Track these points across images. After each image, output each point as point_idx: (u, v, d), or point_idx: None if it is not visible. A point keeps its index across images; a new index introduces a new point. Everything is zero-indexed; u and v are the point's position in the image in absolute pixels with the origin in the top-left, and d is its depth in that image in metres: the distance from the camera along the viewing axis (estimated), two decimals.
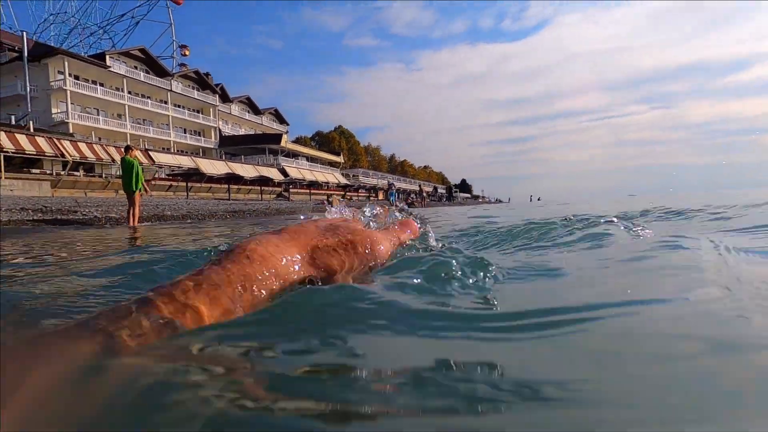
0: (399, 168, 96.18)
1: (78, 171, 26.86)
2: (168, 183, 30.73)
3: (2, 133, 22.62)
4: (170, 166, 33.28)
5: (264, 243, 0.68)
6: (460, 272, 0.85)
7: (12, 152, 22.44)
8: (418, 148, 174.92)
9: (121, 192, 26.85)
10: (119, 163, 8.63)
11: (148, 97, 41.53)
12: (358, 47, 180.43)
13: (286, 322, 0.61)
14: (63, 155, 25.10)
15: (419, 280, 0.80)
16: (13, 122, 27.82)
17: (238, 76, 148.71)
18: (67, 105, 33.79)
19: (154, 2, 50.99)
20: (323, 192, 45.96)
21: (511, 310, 0.68)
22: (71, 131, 31.69)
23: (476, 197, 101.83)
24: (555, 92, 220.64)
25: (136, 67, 41.11)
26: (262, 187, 37.05)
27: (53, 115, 33.58)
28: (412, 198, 28.58)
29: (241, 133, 53.29)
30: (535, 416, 0.39)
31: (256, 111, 58.21)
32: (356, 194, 53.27)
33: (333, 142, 75.61)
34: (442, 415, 0.40)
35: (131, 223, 8.05)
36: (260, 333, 0.58)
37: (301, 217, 0.97)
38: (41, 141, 24.38)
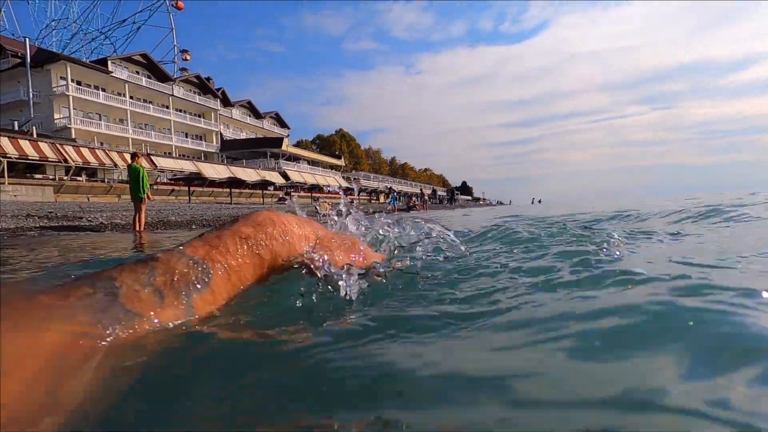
0: (400, 171, 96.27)
1: (81, 176, 26.93)
2: (170, 187, 30.77)
3: (6, 138, 22.71)
4: (172, 170, 33.36)
5: (283, 216, 0.72)
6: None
7: (15, 158, 22.52)
8: (419, 150, 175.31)
9: (124, 197, 26.92)
10: (126, 169, 8.67)
11: (150, 102, 41.67)
12: (358, 51, 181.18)
13: None
14: (66, 160, 25.18)
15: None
16: (16, 128, 27.94)
17: (239, 80, 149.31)
18: (69, 110, 33.91)
19: (156, 8, 51.30)
20: (325, 195, 46.03)
21: None
22: (74, 136, 31.82)
23: (477, 199, 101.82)
24: (555, 94, 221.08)
25: (137, 72, 41.28)
26: (264, 191, 37.11)
27: (56, 121, 33.70)
28: (414, 201, 28.59)
29: (242, 137, 53.40)
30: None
31: (257, 115, 58.36)
32: (357, 197, 53.22)
33: (334, 145, 75.75)
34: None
35: (137, 228, 8.15)
36: None
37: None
38: (44, 146, 24.47)
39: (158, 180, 31.79)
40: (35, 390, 0.36)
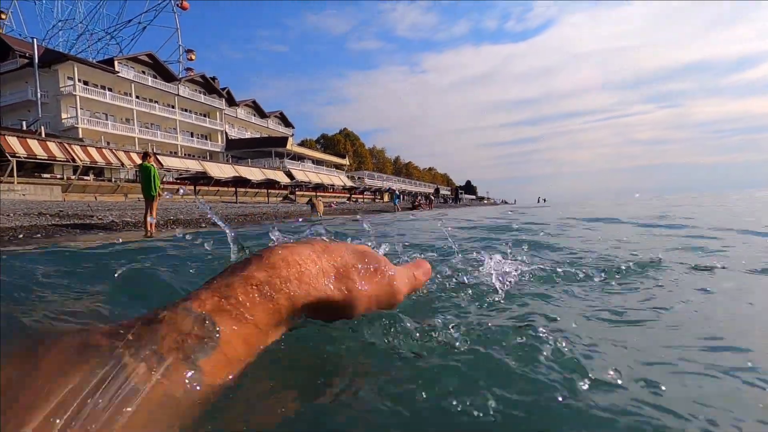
0: (404, 170, 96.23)
1: (88, 175, 27.16)
2: (176, 187, 30.94)
3: (14, 138, 22.93)
4: (178, 169, 33.55)
5: (297, 249, 0.62)
6: None
7: (24, 157, 22.74)
8: (423, 150, 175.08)
9: (131, 196, 27.02)
10: (134, 168, 8.77)
11: (156, 102, 41.90)
12: (362, 50, 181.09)
13: None
14: (73, 160, 25.40)
15: None
16: (24, 128, 28.20)
17: (243, 80, 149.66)
18: (76, 110, 34.17)
19: (161, 8, 51.55)
20: (330, 194, 46.12)
21: None
22: (81, 136, 32.06)
23: (481, 198, 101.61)
24: (560, 93, 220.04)
25: (143, 72, 41.52)
26: (269, 190, 37.25)
27: (63, 121, 33.97)
28: (420, 200, 28.60)
29: (247, 137, 53.58)
30: None
31: (261, 114, 58.52)
32: (361, 197, 53.37)
33: (338, 144, 75.83)
34: None
35: (148, 227, 8.25)
36: None
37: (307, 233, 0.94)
38: (52, 146, 24.68)
39: (164, 179, 31.99)
40: None
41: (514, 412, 0.53)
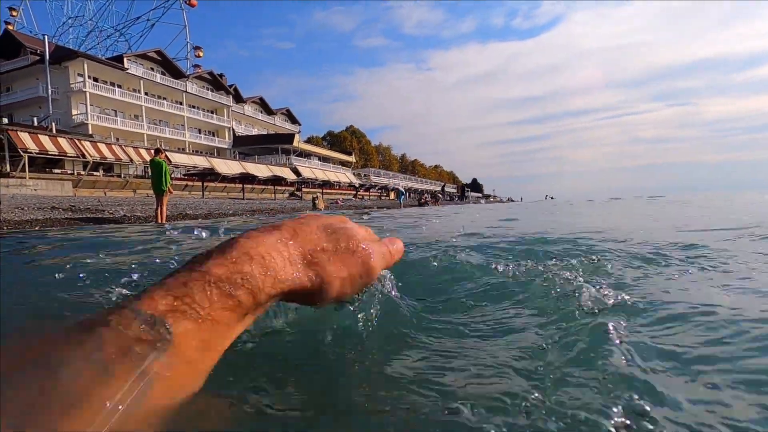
0: (410, 167, 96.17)
1: (98, 171, 27.50)
2: (184, 183, 31.24)
3: (26, 134, 23.27)
4: (186, 166, 33.85)
5: (262, 240, 0.57)
6: None
7: (36, 153, 23.09)
8: (429, 147, 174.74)
9: (140, 191, 27.30)
10: (144, 164, 8.97)
11: (164, 98, 42.24)
12: (369, 47, 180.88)
13: None
14: (84, 155, 25.73)
15: None
16: (36, 124, 28.60)
17: (250, 77, 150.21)
18: (86, 106, 34.57)
19: (169, 5, 51.86)
20: (336, 191, 46.27)
21: None
22: (91, 132, 32.43)
23: (487, 196, 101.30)
24: (568, 90, 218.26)
25: (152, 69, 41.85)
26: (275, 187, 37.47)
27: (73, 117, 34.39)
28: (426, 198, 28.61)
29: (254, 133, 53.85)
30: None
31: (268, 111, 58.76)
32: (368, 194, 53.48)
33: (344, 141, 75.95)
34: None
35: (160, 220, 8.42)
36: None
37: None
38: (63, 142, 25.02)
39: (172, 175, 32.25)
40: None
41: None
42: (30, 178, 21.80)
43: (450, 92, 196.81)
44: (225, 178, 34.04)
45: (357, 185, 51.87)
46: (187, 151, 39.58)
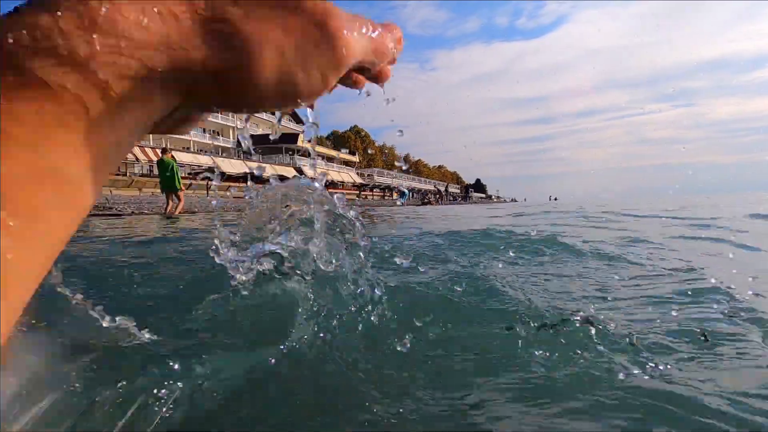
0: (413, 168, 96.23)
1: None
2: (188, 181, 31.38)
3: None
4: (190, 164, 34.02)
5: None
6: None
7: None
8: (433, 147, 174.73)
9: (145, 190, 27.45)
10: (156, 164, 9.33)
11: None
12: None
13: None
14: None
15: None
16: None
17: None
18: None
19: None
20: (339, 191, 46.25)
21: None
22: None
23: (490, 197, 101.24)
24: (572, 90, 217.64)
25: None
26: None
27: None
28: (429, 197, 28.61)
29: (258, 133, 54.03)
30: None
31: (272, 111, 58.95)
32: (371, 194, 53.56)
33: (348, 141, 76.07)
34: None
35: (169, 212, 8.93)
36: None
37: None
38: None
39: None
40: None
41: None
42: None
43: (454, 92, 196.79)
44: (229, 178, 34.17)
45: (360, 185, 51.95)
46: (192, 150, 39.78)
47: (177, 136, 41.74)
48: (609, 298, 1.56)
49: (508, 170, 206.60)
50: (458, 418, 0.69)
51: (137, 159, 28.83)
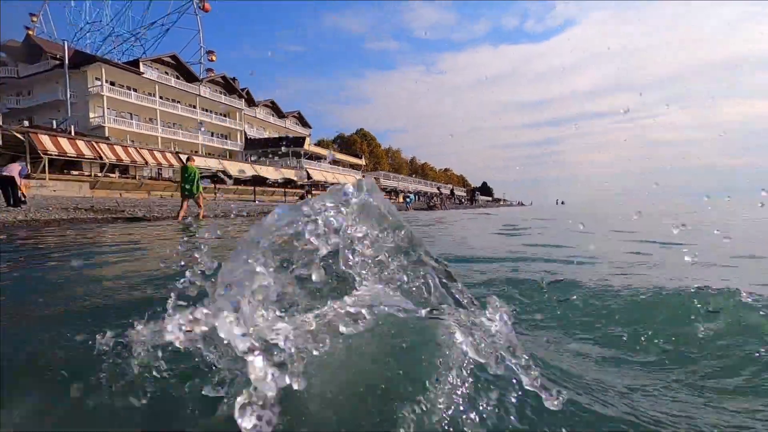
0: (420, 171, 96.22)
1: (114, 172, 28.15)
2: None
3: (46, 136, 23.96)
4: (199, 168, 34.40)
5: None
6: None
7: (55, 155, 23.75)
8: (439, 150, 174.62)
9: (154, 193, 27.81)
10: (182, 170, 9.87)
11: (178, 102, 43.04)
12: (380, 50, 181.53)
13: None
14: (100, 157, 26.37)
15: None
16: (55, 126, 29.37)
17: (261, 79, 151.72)
18: (103, 110, 35.43)
19: (184, 10, 52.82)
20: None
21: None
22: (107, 135, 33.21)
23: (497, 200, 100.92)
24: (580, 93, 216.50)
25: (167, 73, 42.68)
26: (286, 189, 37.91)
27: (91, 120, 35.24)
28: (434, 201, 28.69)
29: (265, 136, 54.48)
30: None
31: (280, 114, 59.44)
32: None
33: (354, 145, 76.31)
34: None
35: (182, 216, 9.29)
36: None
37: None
38: (81, 144, 25.69)
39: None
40: None
41: None
42: (49, 179, 22.44)
43: (461, 95, 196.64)
44: (237, 181, 34.54)
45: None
46: (200, 153, 40.23)
47: (186, 140, 42.26)
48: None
49: (515, 173, 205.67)
50: None
51: (146, 162, 29.26)
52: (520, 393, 0.79)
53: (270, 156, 46.45)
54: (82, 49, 45.10)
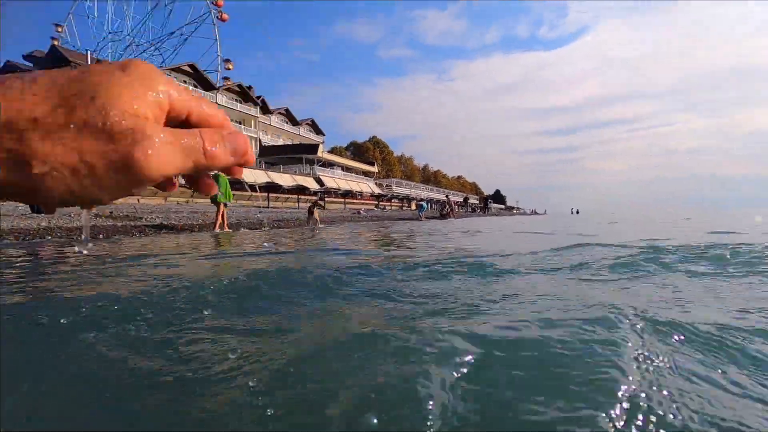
0: (432, 178, 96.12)
1: None
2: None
3: None
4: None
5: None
6: None
7: None
8: (451, 157, 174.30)
9: (170, 199, 28.32)
10: (213, 176, 10.12)
11: None
12: (392, 58, 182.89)
13: None
14: None
15: None
16: None
17: (275, 87, 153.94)
18: None
19: (202, 20, 54.02)
20: (358, 201, 46.72)
21: None
22: None
23: (510, 208, 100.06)
24: (595, 101, 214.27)
25: (185, 81, 43.62)
26: (299, 196, 38.19)
27: None
28: (447, 209, 28.54)
29: (279, 144, 55.15)
30: None
31: (294, 122, 60.15)
32: (389, 204, 53.74)
33: (367, 152, 76.72)
34: None
35: (221, 228, 9.56)
36: None
37: None
38: None
39: None
40: None
41: None
42: None
43: (473, 102, 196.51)
44: (251, 187, 34.95)
45: (378, 195, 52.23)
46: None
47: None
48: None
49: (528, 181, 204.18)
50: None
51: None
52: None
53: (284, 163, 46.98)
54: (105, 59, 46.45)
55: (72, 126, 0.34)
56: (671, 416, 0.75)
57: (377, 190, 54.86)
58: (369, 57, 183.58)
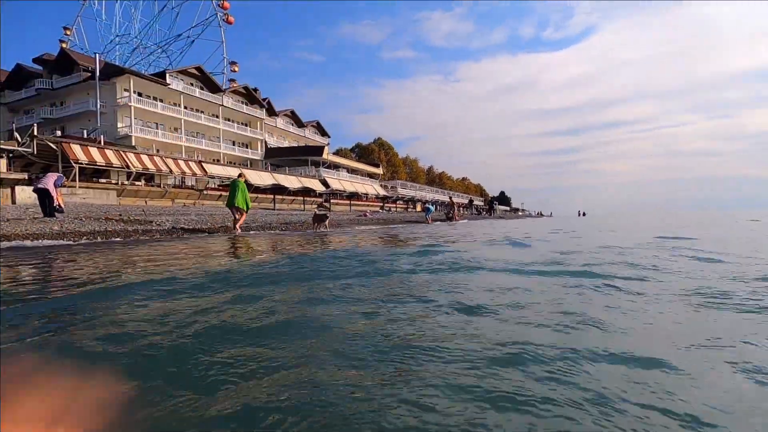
0: (437, 180, 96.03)
1: (140, 181, 28.95)
2: (218, 193, 32.46)
3: (78, 146, 24.85)
4: (220, 177, 35.13)
5: None
6: None
7: (85, 164, 24.59)
8: (456, 159, 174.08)
9: (178, 201, 28.46)
10: (234, 184, 10.65)
11: (202, 112, 44.17)
12: (396, 59, 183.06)
13: None
14: (128, 166, 27.18)
15: None
16: (85, 136, 30.46)
17: (280, 89, 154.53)
18: (131, 120, 36.61)
19: (209, 23, 54.36)
20: (363, 203, 46.77)
21: None
22: (134, 144, 34.25)
23: (515, 210, 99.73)
24: (601, 102, 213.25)
25: (191, 84, 43.90)
26: (305, 198, 38.30)
27: (118, 129, 36.44)
28: (452, 212, 28.46)
29: (285, 145, 55.34)
30: None
31: (299, 124, 60.33)
32: (394, 205, 53.77)
33: (372, 153, 76.78)
34: None
35: (237, 231, 9.84)
36: None
37: None
38: (110, 153, 26.54)
39: (207, 185, 33.68)
40: None
41: None
42: (79, 187, 23.22)
43: (479, 103, 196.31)
44: (257, 189, 35.09)
45: (384, 197, 52.24)
46: (222, 162, 41.09)
47: (209, 149, 43.24)
48: None
49: (533, 182, 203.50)
50: None
51: (171, 171, 30.01)
52: None
53: (290, 165, 47.11)
54: (112, 61, 46.87)
55: None
56: None
57: (382, 192, 54.87)
58: (374, 58, 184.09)
